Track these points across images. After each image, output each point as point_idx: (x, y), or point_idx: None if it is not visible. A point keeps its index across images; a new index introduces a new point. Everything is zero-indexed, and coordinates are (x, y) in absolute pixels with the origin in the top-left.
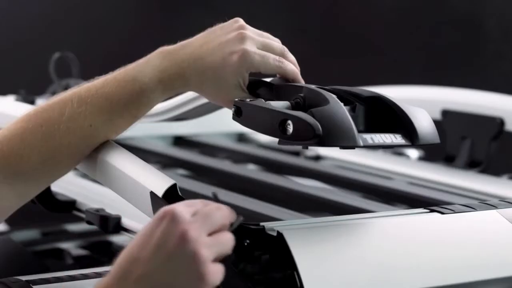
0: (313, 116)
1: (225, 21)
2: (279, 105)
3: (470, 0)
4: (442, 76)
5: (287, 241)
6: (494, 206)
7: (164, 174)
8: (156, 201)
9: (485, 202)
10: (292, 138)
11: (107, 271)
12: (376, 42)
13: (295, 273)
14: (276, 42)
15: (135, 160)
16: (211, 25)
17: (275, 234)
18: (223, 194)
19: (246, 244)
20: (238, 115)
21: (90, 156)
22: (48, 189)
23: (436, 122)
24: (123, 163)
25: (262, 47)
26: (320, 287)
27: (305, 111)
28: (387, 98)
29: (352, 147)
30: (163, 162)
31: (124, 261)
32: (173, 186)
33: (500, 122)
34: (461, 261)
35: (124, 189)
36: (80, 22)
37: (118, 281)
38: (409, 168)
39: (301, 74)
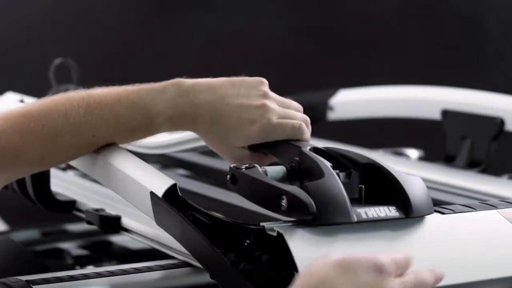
0: (308, 191)
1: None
2: (275, 171)
3: (470, 0)
4: (442, 76)
5: (287, 241)
6: (494, 206)
7: (164, 174)
8: (156, 201)
9: (485, 202)
10: (286, 213)
11: (107, 271)
12: (376, 42)
13: (295, 273)
14: (298, 112)
15: (135, 160)
16: (212, 25)
17: (275, 234)
18: (223, 194)
19: (246, 244)
20: (233, 183)
21: (90, 156)
22: (48, 189)
23: (436, 122)
24: (123, 163)
25: (283, 118)
26: None
27: (300, 177)
28: (383, 166)
29: (346, 223)
30: (163, 162)
31: None
32: (173, 186)
33: (500, 122)
34: (461, 261)
35: (124, 189)
36: (80, 28)
37: None
38: (409, 168)
39: (302, 74)
